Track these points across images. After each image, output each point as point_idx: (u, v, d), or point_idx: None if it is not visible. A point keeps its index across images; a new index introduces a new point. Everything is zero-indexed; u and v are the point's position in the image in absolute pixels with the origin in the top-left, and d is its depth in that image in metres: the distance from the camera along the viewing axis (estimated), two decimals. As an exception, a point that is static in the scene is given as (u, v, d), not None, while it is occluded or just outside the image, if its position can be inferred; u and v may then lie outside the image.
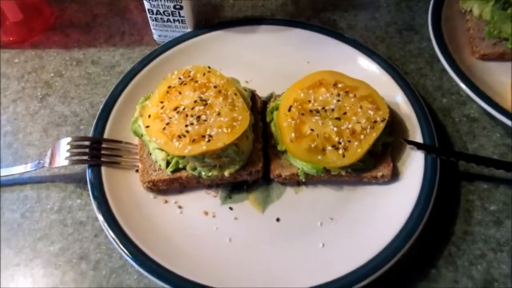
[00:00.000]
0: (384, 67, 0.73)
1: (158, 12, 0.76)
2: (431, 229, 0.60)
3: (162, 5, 0.74)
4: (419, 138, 0.66)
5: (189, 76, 0.67)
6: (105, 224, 0.59)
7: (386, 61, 0.74)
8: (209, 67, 0.67)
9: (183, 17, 0.76)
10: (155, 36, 0.82)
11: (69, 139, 0.66)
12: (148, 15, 0.77)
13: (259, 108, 0.70)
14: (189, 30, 0.78)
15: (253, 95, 0.70)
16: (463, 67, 0.74)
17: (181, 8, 0.75)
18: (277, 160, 0.65)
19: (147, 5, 0.76)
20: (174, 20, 0.77)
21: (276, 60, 0.77)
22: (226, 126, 0.61)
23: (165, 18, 0.77)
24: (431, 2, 0.83)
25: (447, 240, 0.62)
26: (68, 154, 0.64)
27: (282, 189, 0.65)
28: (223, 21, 0.82)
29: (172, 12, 0.75)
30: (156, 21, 0.78)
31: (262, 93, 0.73)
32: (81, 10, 0.90)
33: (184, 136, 0.60)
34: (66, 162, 0.64)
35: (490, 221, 0.63)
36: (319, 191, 0.65)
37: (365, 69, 0.74)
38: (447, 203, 0.64)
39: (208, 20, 0.84)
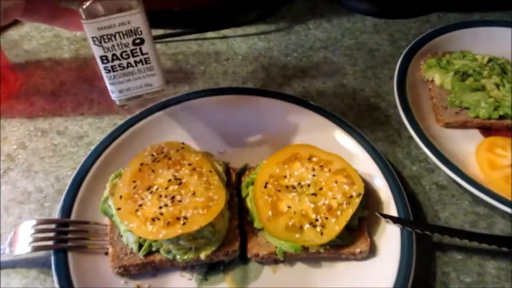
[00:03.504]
0: (355, 136, 0.74)
1: (115, 56, 0.58)
2: (411, 304, 0.60)
3: (118, 44, 0.57)
4: (393, 211, 0.66)
5: (162, 152, 0.65)
6: (72, 317, 0.55)
7: (356, 131, 0.75)
8: (183, 143, 0.66)
9: (146, 54, 0.59)
10: (114, 95, 0.62)
11: (32, 222, 0.61)
12: (102, 67, 0.59)
13: (233, 183, 0.69)
14: (154, 72, 0.61)
15: (227, 169, 0.69)
16: (428, 135, 0.76)
17: (142, 42, 0.58)
18: (253, 238, 0.63)
19: (98, 52, 0.57)
20: (136, 62, 0.59)
21: (249, 130, 0.77)
22: (202, 207, 0.59)
23: (125, 62, 0.59)
24: (396, 70, 0.86)
25: (426, 315, 0.61)
26: (31, 239, 0.60)
27: (260, 268, 0.63)
28: (195, 90, 0.81)
29: (132, 51, 0.58)
30: (113, 70, 0.59)
31: (236, 164, 0.72)
32: (47, 77, 0.87)
33: (158, 219, 0.58)
34: (28, 249, 0.60)
35: (466, 293, 0.63)
36: (297, 269, 0.63)
37: (337, 139, 0.75)
38: (424, 275, 0.64)
39: (179, 88, 0.84)
